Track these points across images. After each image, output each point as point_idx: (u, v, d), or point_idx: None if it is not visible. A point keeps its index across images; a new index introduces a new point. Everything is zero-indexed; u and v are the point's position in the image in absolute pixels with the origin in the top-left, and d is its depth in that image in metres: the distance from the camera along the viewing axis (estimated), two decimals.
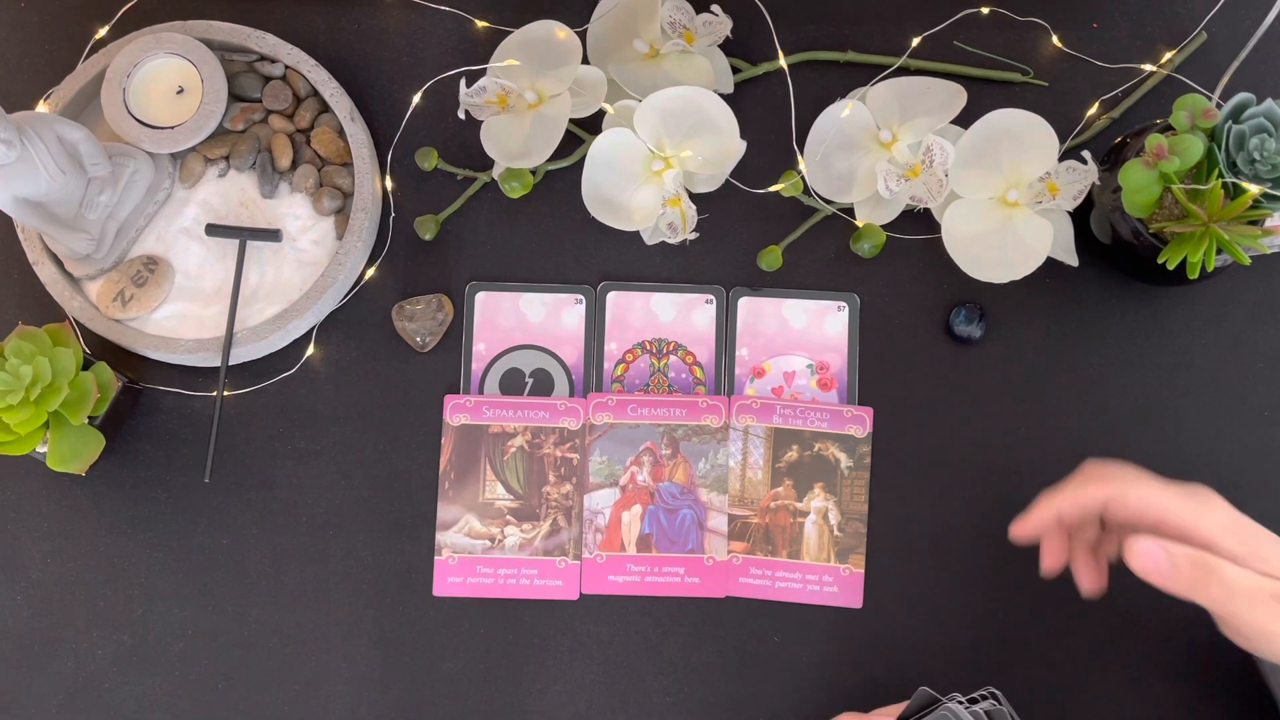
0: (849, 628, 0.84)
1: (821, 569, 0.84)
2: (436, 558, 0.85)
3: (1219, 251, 0.76)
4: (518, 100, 0.86)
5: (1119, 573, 0.85)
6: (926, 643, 0.84)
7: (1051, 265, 0.84)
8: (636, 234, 0.88)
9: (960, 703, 0.71)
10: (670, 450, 0.86)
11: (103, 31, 0.91)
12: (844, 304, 0.88)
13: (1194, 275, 0.76)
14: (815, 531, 0.85)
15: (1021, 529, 0.73)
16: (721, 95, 0.86)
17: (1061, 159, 0.84)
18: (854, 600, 0.84)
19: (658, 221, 0.86)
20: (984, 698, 0.73)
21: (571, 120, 0.86)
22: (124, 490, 0.86)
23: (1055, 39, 0.91)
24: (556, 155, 0.86)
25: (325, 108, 0.89)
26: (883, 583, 0.84)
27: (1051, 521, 0.73)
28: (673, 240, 0.86)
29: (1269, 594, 0.65)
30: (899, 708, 0.73)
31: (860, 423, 0.85)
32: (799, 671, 0.83)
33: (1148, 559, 0.67)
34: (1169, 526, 0.68)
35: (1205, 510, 0.68)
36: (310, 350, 0.87)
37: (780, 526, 0.85)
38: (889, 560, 0.85)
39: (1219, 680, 0.83)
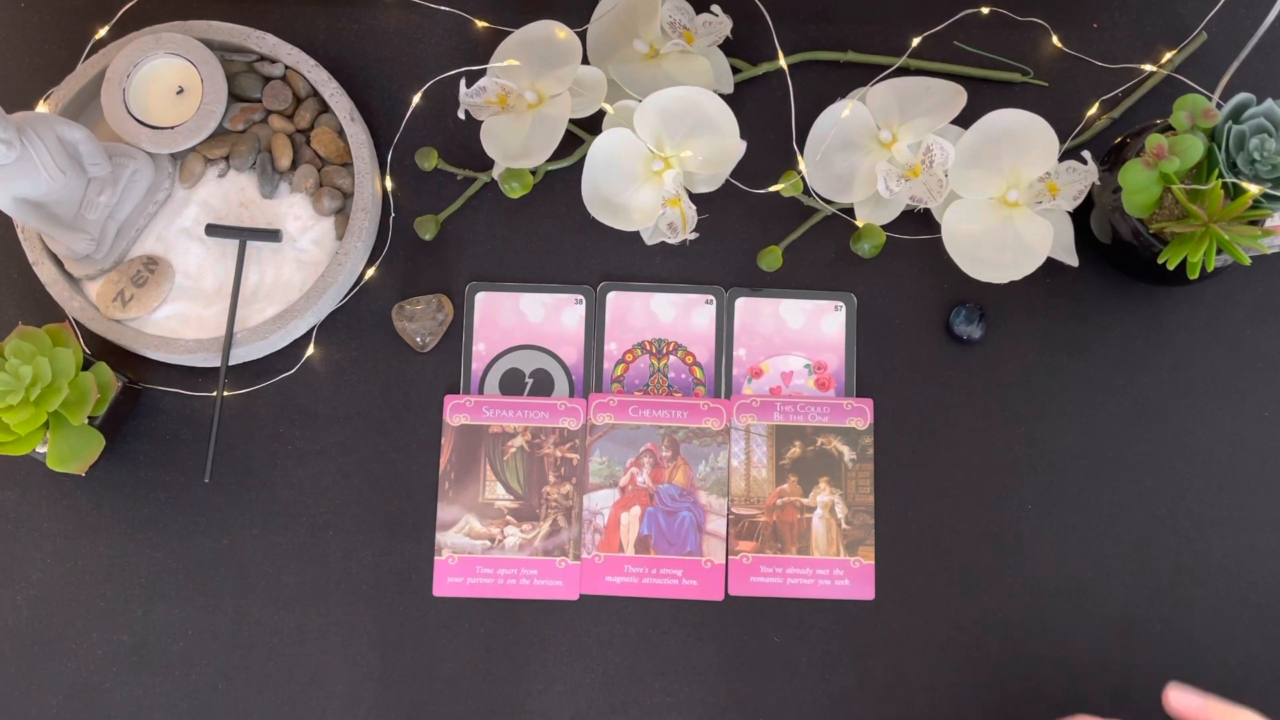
0: (847, 625, 0.84)
1: (832, 563, 0.84)
2: (436, 558, 0.85)
3: (1219, 251, 0.76)
4: (518, 100, 0.86)
5: (1116, 567, 0.85)
6: (933, 638, 0.83)
7: (1051, 265, 0.84)
8: (636, 234, 0.88)
9: None
10: (670, 452, 0.85)
11: (103, 31, 0.91)
12: (841, 304, 0.87)
13: (1194, 275, 0.76)
14: (823, 526, 0.85)
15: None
16: (721, 95, 0.86)
17: (1061, 159, 0.84)
18: (866, 592, 0.84)
19: (658, 221, 0.85)
20: None
21: (571, 120, 0.86)
22: (124, 490, 0.86)
23: (1055, 39, 0.91)
24: (556, 155, 0.86)
25: (325, 108, 0.89)
26: (893, 573, 0.84)
27: None
28: (673, 240, 0.86)
29: None
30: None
31: (861, 414, 0.85)
32: (799, 672, 0.83)
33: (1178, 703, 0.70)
34: None
35: None
36: (310, 350, 0.87)
37: (788, 523, 0.85)
38: (898, 551, 0.85)
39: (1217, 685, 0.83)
